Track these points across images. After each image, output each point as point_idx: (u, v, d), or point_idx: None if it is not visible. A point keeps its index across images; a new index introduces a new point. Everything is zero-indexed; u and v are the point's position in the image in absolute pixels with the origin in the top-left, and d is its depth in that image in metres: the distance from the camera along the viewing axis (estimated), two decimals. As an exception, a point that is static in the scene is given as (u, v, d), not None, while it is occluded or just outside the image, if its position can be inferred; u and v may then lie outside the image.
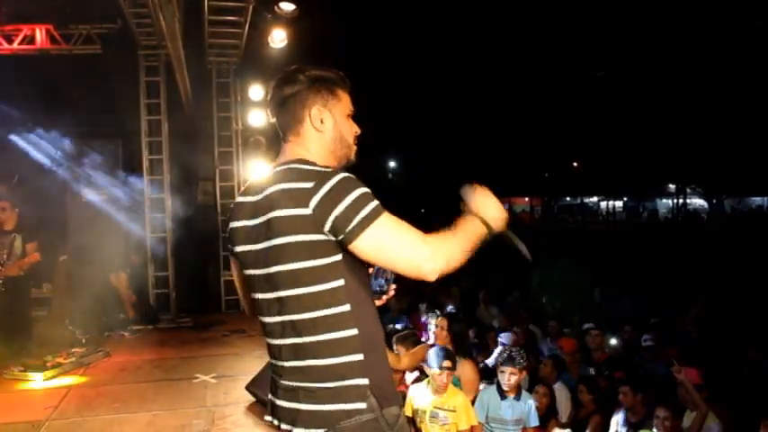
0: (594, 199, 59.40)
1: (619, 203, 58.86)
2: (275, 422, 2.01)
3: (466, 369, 4.95)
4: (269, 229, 1.91)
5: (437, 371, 4.28)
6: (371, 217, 1.84)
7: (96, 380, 5.99)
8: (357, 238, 1.84)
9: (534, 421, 4.82)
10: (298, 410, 1.92)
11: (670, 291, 12.71)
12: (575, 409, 5.99)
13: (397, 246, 1.87)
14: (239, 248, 2.05)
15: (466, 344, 5.91)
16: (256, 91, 9.23)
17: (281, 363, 1.98)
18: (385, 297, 2.19)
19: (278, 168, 1.98)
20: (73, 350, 6.61)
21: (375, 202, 1.87)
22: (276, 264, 1.90)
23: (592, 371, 6.80)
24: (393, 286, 2.13)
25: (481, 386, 5.20)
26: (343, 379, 1.88)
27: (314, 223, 1.84)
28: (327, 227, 1.83)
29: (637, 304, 10.81)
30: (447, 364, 4.30)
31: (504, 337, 7.49)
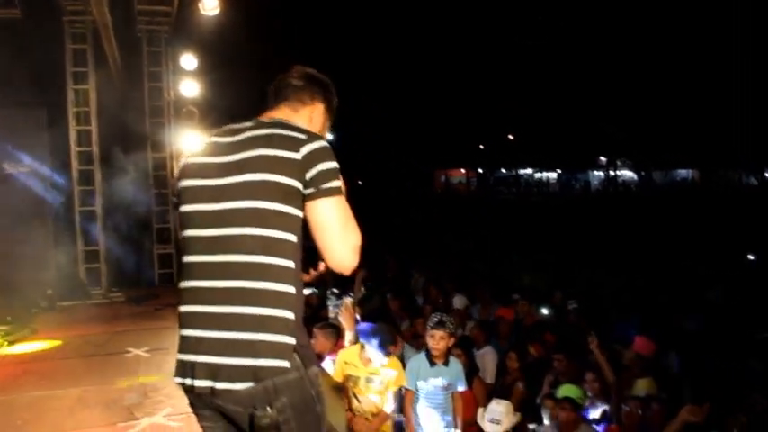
0: (529, 171, 60.54)
1: (553, 175, 60.19)
2: (188, 382, 1.93)
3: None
4: (245, 166, 1.93)
5: (378, 350, 4.47)
6: (341, 190, 1.97)
7: (23, 357, 5.87)
8: (326, 197, 1.93)
9: (462, 385, 5.00)
10: (220, 365, 1.87)
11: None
12: (501, 375, 6.23)
13: (345, 224, 1.97)
14: (188, 182, 2.04)
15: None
16: (189, 60, 9.04)
17: (210, 308, 1.91)
18: (313, 272, 2.25)
19: (267, 120, 2.08)
20: (-2, 327, 6.44)
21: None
22: (242, 199, 1.91)
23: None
24: (322, 263, 2.14)
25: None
26: (276, 333, 1.89)
27: (299, 168, 1.91)
28: (310, 175, 1.91)
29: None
30: (394, 349, 4.52)
31: (457, 301, 7.70)
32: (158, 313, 7.66)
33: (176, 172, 2.15)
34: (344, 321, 5.19)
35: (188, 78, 9.13)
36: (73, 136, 9.05)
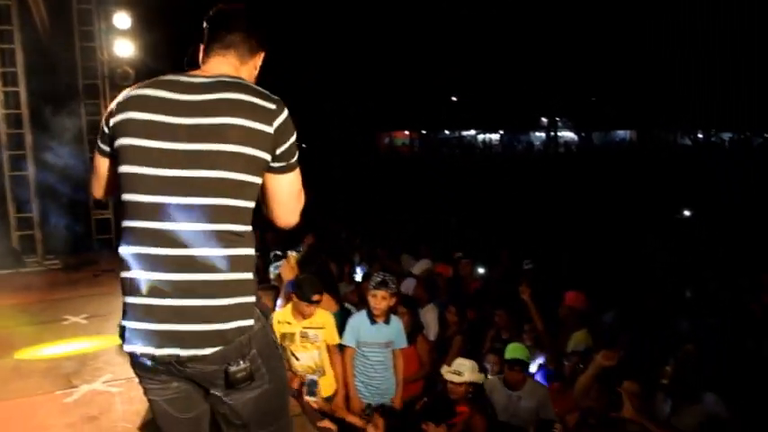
0: (472, 132, 61.01)
1: (495, 136, 60.81)
2: (147, 350, 1.92)
3: (324, 298, 5.15)
4: (218, 134, 1.90)
5: (307, 302, 4.52)
6: (298, 161, 2.07)
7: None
8: (291, 171, 2.04)
9: (403, 343, 5.09)
10: (188, 332, 1.89)
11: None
12: (442, 329, 6.37)
13: (297, 194, 2.11)
14: (138, 142, 1.93)
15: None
16: (122, 19, 8.72)
17: (171, 276, 1.90)
18: None
19: (223, 78, 2.00)
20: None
21: None
22: (213, 168, 1.89)
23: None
24: None
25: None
26: (243, 296, 1.95)
27: (271, 142, 1.95)
28: (280, 150, 1.97)
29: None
30: (317, 297, 4.61)
31: (417, 268, 7.77)
32: (96, 280, 7.50)
33: (114, 118, 2.00)
34: (283, 273, 5.26)
35: (122, 38, 8.81)
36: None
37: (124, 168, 1.95)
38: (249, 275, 1.98)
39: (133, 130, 1.95)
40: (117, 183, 2.01)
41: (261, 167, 1.96)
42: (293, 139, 2.01)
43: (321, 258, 6.40)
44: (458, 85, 47.30)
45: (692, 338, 5.68)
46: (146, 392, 2.10)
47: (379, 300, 4.90)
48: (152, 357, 1.93)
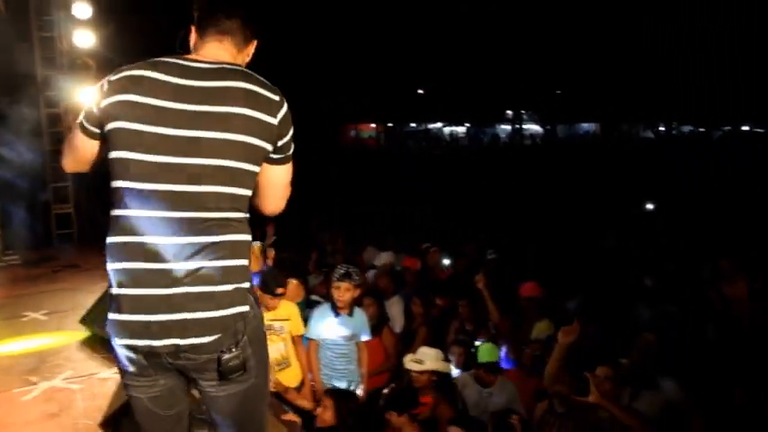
0: (438, 125, 61.17)
1: (461, 129, 61.07)
2: (141, 342, 1.88)
3: (290, 286, 5.14)
4: (226, 122, 1.88)
5: (271, 296, 4.52)
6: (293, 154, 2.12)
7: None
8: (286, 163, 2.08)
9: (366, 335, 5.11)
10: (186, 320, 1.86)
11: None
12: (408, 321, 6.41)
13: (288, 184, 2.15)
14: (136, 126, 1.88)
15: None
16: (82, 8, 8.53)
17: (170, 265, 1.86)
18: None
19: (225, 66, 1.99)
20: None
21: None
22: (214, 157, 1.87)
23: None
24: None
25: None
26: (240, 282, 1.96)
27: (275, 134, 1.98)
28: (281, 142, 2.01)
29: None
30: (280, 290, 4.56)
31: (379, 260, 7.77)
32: (56, 275, 7.35)
33: (108, 99, 1.92)
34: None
35: (82, 28, 8.63)
36: (-46, 89, 8.43)
37: (119, 153, 1.91)
38: (246, 261, 2.00)
39: (131, 114, 1.89)
40: (95, 162, 2.03)
41: (262, 156, 1.98)
42: (292, 131, 2.05)
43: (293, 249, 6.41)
44: (424, 79, 47.34)
45: (651, 327, 5.80)
46: (128, 389, 2.06)
47: (343, 291, 4.91)
48: (148, 349, 1.89)
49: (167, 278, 1.87)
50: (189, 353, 1.90)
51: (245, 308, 1.96)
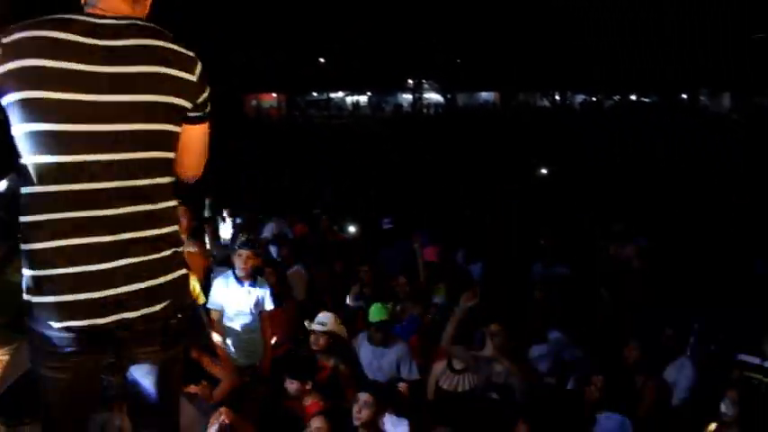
0: (340, 94, 60.82)
1: (363, 98, 61.04)
2: (84, 322, 1.73)
3: (193, 254, 5.05)
4: (146, 83, 1.75)
5: None
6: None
7: None
8: (205, 121, 1.98)
9: (270, 305, 5.08)
10: (131, 293, 1.76)
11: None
12: (309, 290, 6.44)
13: (206, 146, 2.04)
14: (52, 95, 1.65)
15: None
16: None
17: (104, 239, 1.73)
18: None
19: (135, 21, 1.81)
20: None
21: None
22: (140, 121, 1.75)
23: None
24: None
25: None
26: (178, 246, 1.91)
27: (195, 91, 1.88)
28: (201, 99, 1.91)
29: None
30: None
31: (266, 231, 7.68)
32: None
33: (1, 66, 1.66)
34: None
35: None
36: None
37: (29, 126, 1.67)
38: (177, 226, 1.94)
39: (36, 81, 1.65)
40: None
41: (183, 115, 1.88)
42: (209, 88, 1.95)
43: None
44: (325, 47, 46.85)
45: (542, 286, 6.08)
46: (51, 371, 1.83)
47: (245, 259, 4.88)
48: (89, 328, 1.74)
49: (101, 253, 1.73)
50: (138, 324, 1.80)
51: (184, 270, 1.93)
